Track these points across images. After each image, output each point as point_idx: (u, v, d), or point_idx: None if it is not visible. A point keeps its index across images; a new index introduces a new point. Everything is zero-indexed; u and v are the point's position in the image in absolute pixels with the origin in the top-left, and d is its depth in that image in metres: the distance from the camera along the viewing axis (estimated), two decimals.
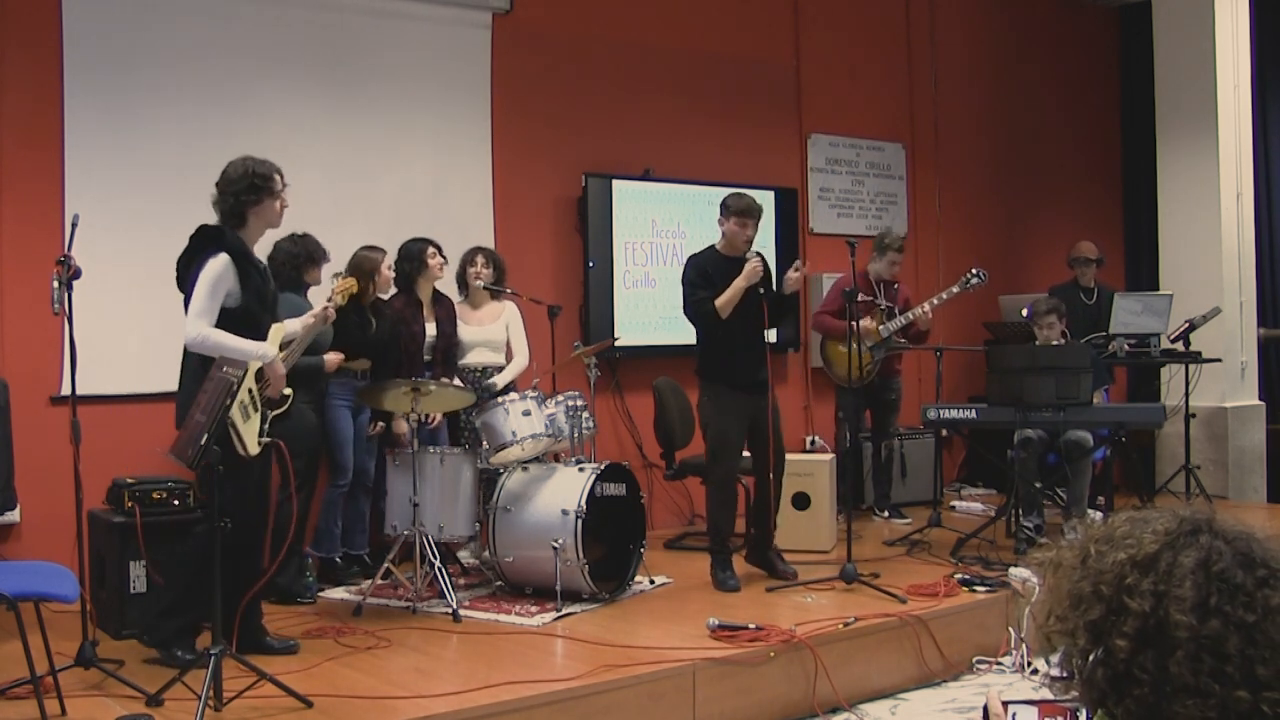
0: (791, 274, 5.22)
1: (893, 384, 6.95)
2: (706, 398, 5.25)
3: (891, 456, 7.10)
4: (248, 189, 4.01)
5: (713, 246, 5.29)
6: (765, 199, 7.40)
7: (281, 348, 4.10)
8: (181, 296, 4.03)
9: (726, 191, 7.22)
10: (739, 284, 5.04)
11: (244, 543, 3.94)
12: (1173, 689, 1.23)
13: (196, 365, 3.94)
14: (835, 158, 8.04)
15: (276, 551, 4.13)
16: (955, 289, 6.63)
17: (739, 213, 5.15)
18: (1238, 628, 1.23)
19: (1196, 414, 7.46)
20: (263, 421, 3.92)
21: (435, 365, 5.62)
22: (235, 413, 3.75)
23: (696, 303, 5.13)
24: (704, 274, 5.15)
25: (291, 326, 4.24)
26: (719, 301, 5.05)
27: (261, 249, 5.03)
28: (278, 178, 4.10)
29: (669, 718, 3.90)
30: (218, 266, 3.90)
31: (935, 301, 6.65)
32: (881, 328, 6.63)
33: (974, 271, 6.57)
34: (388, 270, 5.44)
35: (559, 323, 5.87)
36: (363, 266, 5.33)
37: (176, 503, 4.64)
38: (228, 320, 3.92)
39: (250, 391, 3.86)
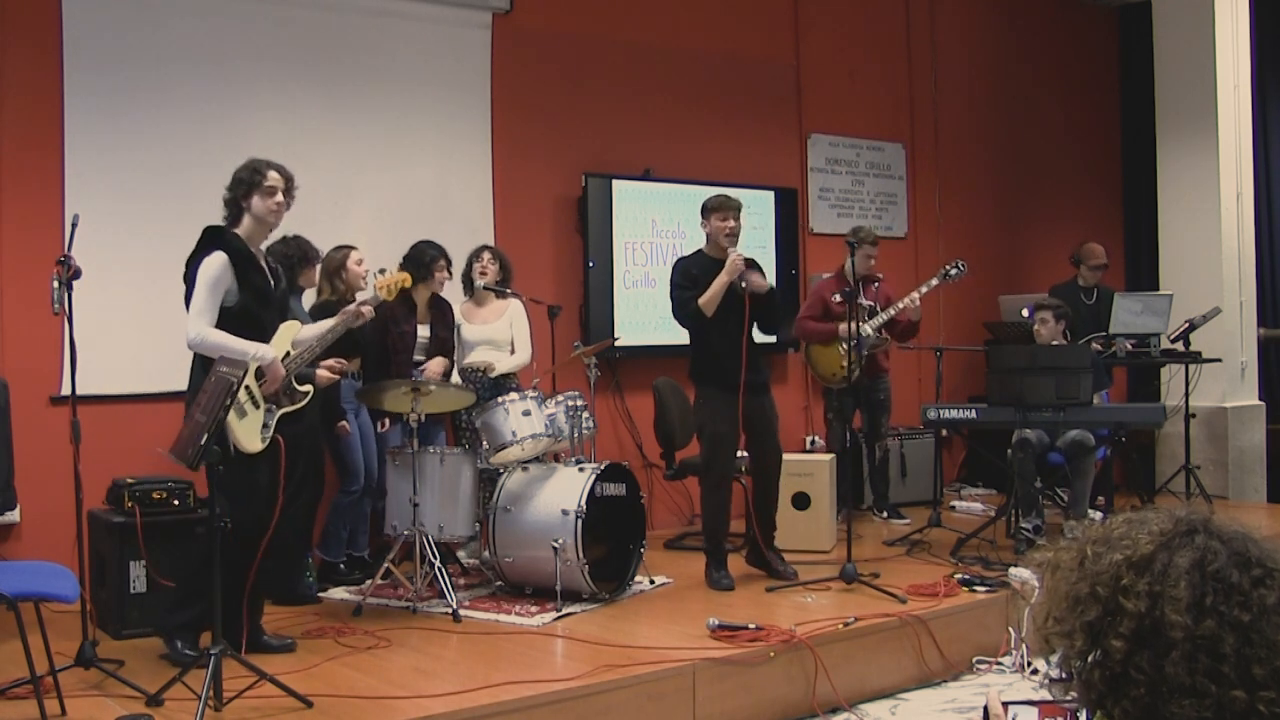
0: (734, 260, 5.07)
1: (881, 383, 6.88)
2: (700, 399, 5.29)
3: (888, 457, 7.08)
4: (236, 184, 4.05)
5: (700, 250, 5.34)
6: (765, 199, 7.45)
7: (295, 346, 4.11)
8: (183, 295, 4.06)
9: (727, 191, 7.28)
10: (721, 279, 5.08)
11: (249, 541, 3.94)
12: (1169, 689, 1.23)
13: (199, 365, 3.96)
14: (835, 158, 8.04)
15: (273, 552, 4.12)
16: (935, 281, 6.58)
17: (716, 209, 5.22)
18: (1233, 627, 1.23)
19: (1196, 414, 7.46)
20: (268, 417, 3.94)
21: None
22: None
23: (682, 303, 5.19)
24: (689, 275, 5.20)
25: (307, 332, 4.23)
26: (702, 300, 5.10)
27: None
28: (272, 173, 4.07)
29: (669, 718, 3.90)
30: (215, 266, 3.92)
31: (922, 290, 6.57)
32: (865, 325, 6.54)
33: (954, 263, 6.58)
34: (356, 266, 5.38)
35: (559, 323, 5.87)
36: (327, 268, 5.34)
37: (176, 503, 4.64)
38: (228, 319, 3.94)
39: (248, 389, 3.89)
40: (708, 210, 5.25)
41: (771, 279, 5.58)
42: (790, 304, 5.44)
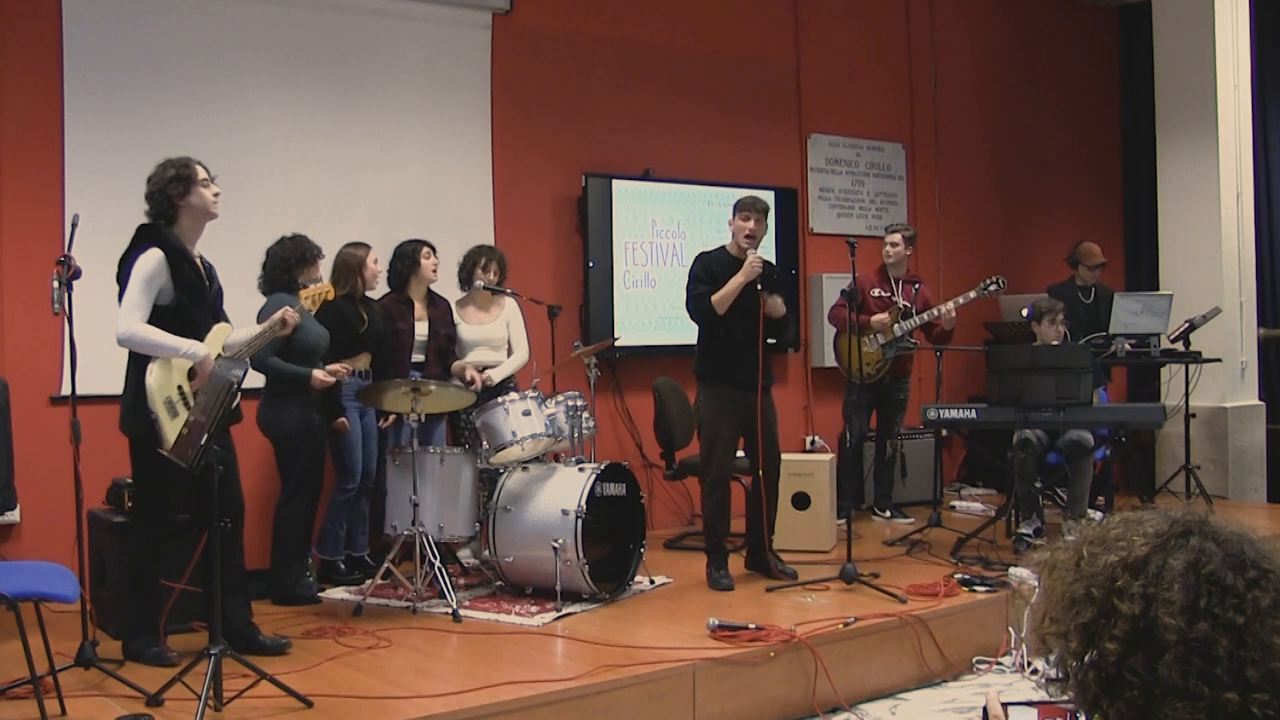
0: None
1: (903, 384, 6.92)
2: (703, 397, 5.31)
3: (894, 456, 7.10)
4: (172, 181, 4.00)
5: (723, 247, 5.34)
6: (765, 199, 7.42)
7: (226, 349, 4.05)
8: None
9: (727, 191, 7.30)
10: (737, 280, 5.08)
11: (150, 529, 4.01)
12: (1162, 691, 1.23)
13: (133, 364, 3.95)
14: (835, 158, 8.04)
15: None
16: (973, 294, 6.61)
17: (739, 208, 5.24)
18: (1227, 630, 1.23)
19: (1196, 414, 7.46)
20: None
21: (429, 365, 5.62)
22: (160, 408, 3.78)
23: (696, 298, 5.19)
24: (709, 271, 5.21)
25: (237, 336, 4.17)
26: (715, 297, 5.10)
27: (254, 253, 5.09)
28: (199, 167, 4.06)
29: (669, 718, 3.90)
30: (151, 262, 3.89)
31: (959, 301, 6.60)
32: (896, 325, 6.62)
33: (993, 278, 6.62)
34: (374, 264, 5.44)
35: (559, 323, 5.87)
36: (348, 264, 5.36)
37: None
38: (163, 317, 3.92)
39: (180, 388, 3.88)
40: (734, 208, 5.27)
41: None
42: (790, 307, 5.41)
